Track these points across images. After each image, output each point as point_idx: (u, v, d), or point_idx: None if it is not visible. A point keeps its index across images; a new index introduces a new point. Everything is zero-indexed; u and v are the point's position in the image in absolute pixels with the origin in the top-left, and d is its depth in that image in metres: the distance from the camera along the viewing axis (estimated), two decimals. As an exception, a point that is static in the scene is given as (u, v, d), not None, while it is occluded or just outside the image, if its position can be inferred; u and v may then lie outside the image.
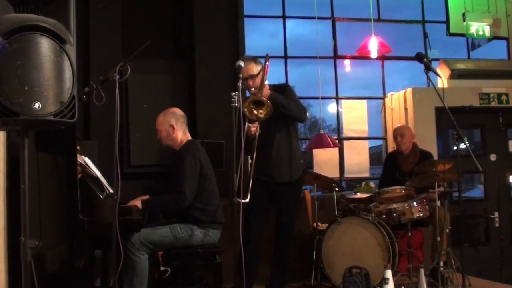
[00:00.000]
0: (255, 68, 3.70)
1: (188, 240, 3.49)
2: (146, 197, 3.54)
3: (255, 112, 3.32)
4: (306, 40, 6.38)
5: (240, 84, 3.05)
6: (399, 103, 6.02)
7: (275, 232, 3.93)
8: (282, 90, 3.84)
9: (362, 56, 6.06)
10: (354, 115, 6.09)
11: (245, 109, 3.24)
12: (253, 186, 3.37)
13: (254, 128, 3.46)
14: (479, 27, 6.27)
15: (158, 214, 3.70)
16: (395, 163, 4.89)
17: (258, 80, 3.62)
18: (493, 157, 6.11)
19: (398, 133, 4.87)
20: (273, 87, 3.86)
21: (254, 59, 3.78)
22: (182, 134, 3.67)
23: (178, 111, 3.71)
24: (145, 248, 3.37)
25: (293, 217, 3.95)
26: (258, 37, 5.52)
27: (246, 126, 3.33)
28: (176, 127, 3.62)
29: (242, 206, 2.94)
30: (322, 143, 5.35)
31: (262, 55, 5.70)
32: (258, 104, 3.32)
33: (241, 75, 3.09)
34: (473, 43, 6.68)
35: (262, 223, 3.84)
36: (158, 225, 3.57)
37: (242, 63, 3.19)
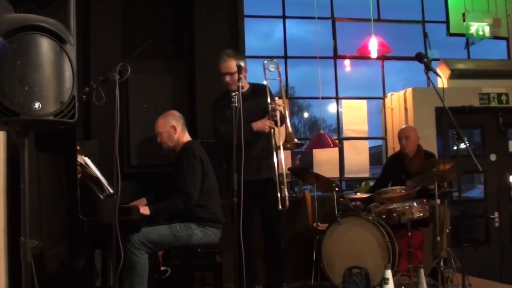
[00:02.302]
0: (233, 64, 3.72)
1: (187, 239, 3.49)
2: (144, 201, 3.56)
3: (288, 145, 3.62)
4: (301, 40, 6.40)
5: (240, 84, 3.06)
6: (399, 103, 6.02)
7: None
8: (263, 91, 3.85)
9: (362, 56, 6.06)
10: (354, 115, 6.09)
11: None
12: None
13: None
14: (479, 27, 6.27)
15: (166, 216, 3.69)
16: (400, 165, 4.85)
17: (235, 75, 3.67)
18: (493, 157, 6.11)
19: (403, 135, 4.83)
20: (252, 86, 3.93)
21: (235, 55, 3.86)
22: (182, 135, 3.73)
23: (176, 112, 3.78)
24: (145, 247, 3.38)
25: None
26: (252, 37, 5.54)
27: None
28: (177, 128, 3.68)
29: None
30: (322, 143, 5.35)
31: (257, 55, 5.66)
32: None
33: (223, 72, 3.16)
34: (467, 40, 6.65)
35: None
36: (158, 225, 3.58)
37: (242, 63, 3.20)
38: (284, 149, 3.65)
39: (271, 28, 6.50)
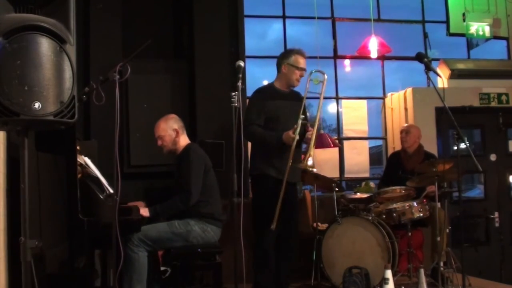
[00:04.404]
0: (303, 61, 3.85)
1: (186, 235, 3.51)
2: (142, 203, 3.56)
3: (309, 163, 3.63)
4: (297, 40, 6.38)
5: (240, 84, 3.07)
6: (399, 103, 6.02)
7: None
8: (296, 97, 3.95)
9: (362, 56, 6.06)
10: (354, 115, 6.09)
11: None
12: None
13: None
14: (479, 27, 6.27)
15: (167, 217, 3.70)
16: (398, 161, 4.92)
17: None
18: (493, 157, 6.11)
19: (404, 129, 4.94)
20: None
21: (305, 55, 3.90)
22: (183, 138, 3.77)
23: (176, 116, 3.81)
24: (144, 245, 3.40)
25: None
26: (246, 38, 5.53)
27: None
28: (179, 131, 3.72)
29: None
30: (322, 143, 5.34)
31: (254, 56, 5.63)
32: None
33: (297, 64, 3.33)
34: (471, 41, 6.67)
35: None
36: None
37: (242, 63, 3.21)
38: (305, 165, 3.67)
39: (264, 28, 6.46)
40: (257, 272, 3.70)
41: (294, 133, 3.60)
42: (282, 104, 3.82)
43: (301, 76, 3.85)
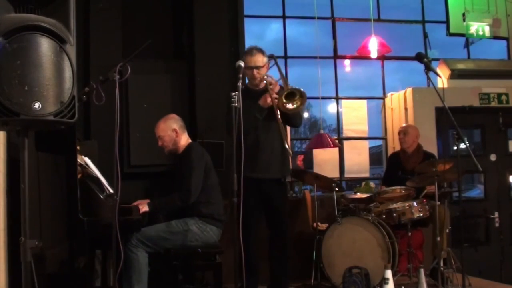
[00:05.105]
0: (262, 60, 3.86)
1: (183, 234, 3.51)
2: (147, 200, 3.56)
3: (289, 106, 3.64)
4: (295, 41, 6.39)
5: (240, 84, 3.07)
6: (399, 103, 6.02)
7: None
8: None
9: (362, 56, 6.06)
10: (354, 115, 6.09)
11: (279, 106, 3.63)
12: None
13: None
14: (479, 27, 6.27)
15: (164, 213, 3.70)
16: (398, 161, 4.93)
17: (263, 71, 3.86)
18: (493, 157, 6.11)
19: (402, 130, 4.94)
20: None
21: (262, 50, 3.91)
22: (183, 138, 3.77)
23: (176, 116, 3.82)
24: (142, 245, 3.41)
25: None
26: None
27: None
28: (178, 131, 3.72)
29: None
30: (322, 143, 5.35)
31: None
32: (290, 95, 3.64)
33: (248, 65, 3.50)
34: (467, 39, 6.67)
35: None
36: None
37: (242, 63, 3.23)
38: (288, 109, 3.66)
39: (263, 29, 6.47)
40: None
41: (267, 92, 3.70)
42: (253, 102, 3.81)
43: (255, 73, 3.84)
